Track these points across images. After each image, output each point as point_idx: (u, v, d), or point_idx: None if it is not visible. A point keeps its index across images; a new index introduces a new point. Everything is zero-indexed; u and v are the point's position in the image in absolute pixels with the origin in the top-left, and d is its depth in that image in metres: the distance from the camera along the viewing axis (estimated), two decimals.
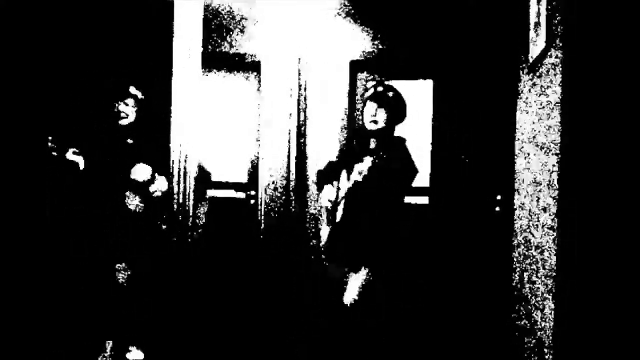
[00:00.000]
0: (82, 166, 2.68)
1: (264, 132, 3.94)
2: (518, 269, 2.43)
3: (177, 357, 2.94)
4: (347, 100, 3.87)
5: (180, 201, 3.00)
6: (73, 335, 2.84)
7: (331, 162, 2.66)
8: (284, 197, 3.92)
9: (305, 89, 3.90)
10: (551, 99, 1.94)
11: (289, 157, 3.91)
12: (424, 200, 3.77)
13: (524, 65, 2.42)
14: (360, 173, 2.33)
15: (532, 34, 2.19)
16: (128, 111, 2.73)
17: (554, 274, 1.84)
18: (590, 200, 1.78)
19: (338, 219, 2.49)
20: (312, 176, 3.89)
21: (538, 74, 2.16)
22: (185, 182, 3.01)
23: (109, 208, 2.71)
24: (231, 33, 3.99)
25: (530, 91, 2.29)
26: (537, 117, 2.14)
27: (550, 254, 1.90)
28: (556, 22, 1.90)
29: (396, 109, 2.43)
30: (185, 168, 3.01)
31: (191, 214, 3.05)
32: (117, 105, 2.72)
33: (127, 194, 2.70)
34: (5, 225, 2.81)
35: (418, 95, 3.87)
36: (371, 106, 2.41)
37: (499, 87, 3.34)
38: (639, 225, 1.76)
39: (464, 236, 3.52)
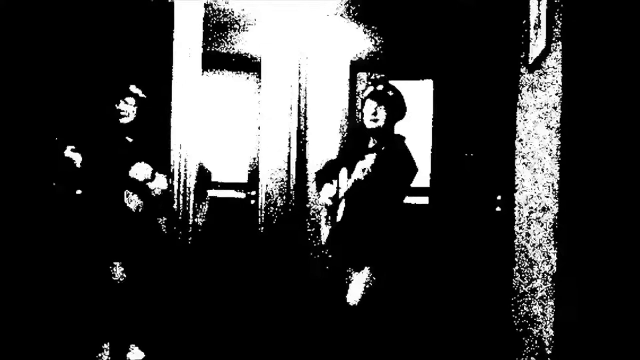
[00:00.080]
0: (78, 164, 2.65)
1: (264, 132, 3.94)
2: (518, 268, 2.43)
3: (177, 356, 2.94)
4: (347, 99, 3.87)
5: (180, 200, 3.00)
6: (72, 334, 2.84)
7: (330, 160, 2.66)
8: (284, 197, 3.92)
9: (305, 89, 3.90)
10: (551, 99, 1.94)
11: (289, 156, 3.91)
12: (424, 200, 3.77)
13: (524, 65, 2.42)
14: (363, 170, 2.32)
15: (532, 34, 2.19)
16: (128, 109, 2.73)
17: (554, 273, 1.84)
18: (590, 200, 1.78)
19: (339, 218, 2.49)
20: (312, 176, 3.89)
21: (538, 73, 2.16)
22: (185, 182, 3.01)
23: (107, 206, 2.70)
24: (231, 32, 3.99)
25: (530, 91, 2.30)
26: (537, 117, 2.14)
27: (550, 254, 1.90)
28: (556, 22, 1.90)
29: (396, 107, 2.43)
30: (185, 167, 3.01)
31: (191, 214, 3.05)
32: (117, 103, 2.71)
33: (126, 192, 2.69)
34: (1, 223, 2.81)
35: (418, 95, 3.87)
36: (371, 104, 2.42)
37: (499, 87, 3.33)
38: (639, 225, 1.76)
39: (464, 236, 3.52)
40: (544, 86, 2.04)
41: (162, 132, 3.02)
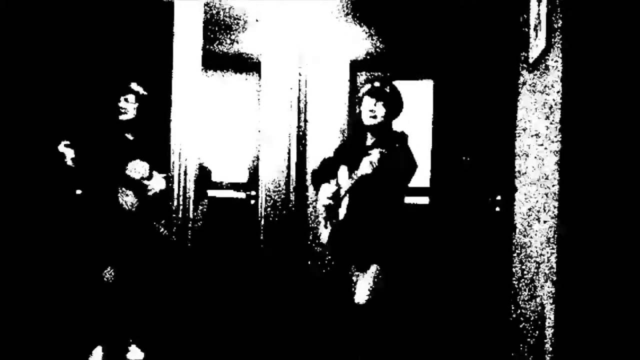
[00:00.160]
0: (69, 159, 2.56)
1: (264, 132, 3.93)
2: (518, 268, 2.43)
3: (176, 356, 2.93)
4: (347, 99, 3.87)
5: (180, 200, 3.00)
6: (70, 335, 2.83)
7: (326, 159, 2.65)
8: (284, 197, 3.91)
9: (305, 89, 3.90)
10: (551, 99, 1.94)
11: (289, 156, 3.91)
12: (424, 200, 3.77)
13: (524, 65, 2.42)
14: (371, 163, 2.30)
15: (532, 34, 2.19)
16: (129, 107, 2.71)
17: (554, 273, 1.84)
18: (590, 200, 1.78)
19: (342, 216, 2.48)
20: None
21: (538, 73, 2.16)
22: (184, 181, 3.01)
23: (102, 204, 2.65)
24: (231, 32, 3.99)
25: (530, 91, 2.30)
26: (537, 117, 2.14)
27: (550, 254, 1.90)
28: (556, 22, 1.90)
29: (393, 103, 2.45)
30: (184, 167, 3.00)
31: (191, 214, 3.04)
32: (117, 100, 2.69)
33: (120, 189, 2.63)
34: None
35: (418, 95, 3.87)
36: (368, 101, 2.42)
37: (499, 87, 3.33)
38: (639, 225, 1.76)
39: (464, 236, 3.51)
40: (544, 86, 2.04)
41: (161, 131, 3.01)
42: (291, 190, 3.89)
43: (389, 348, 2.54)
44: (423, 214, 3.71)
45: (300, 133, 3.87)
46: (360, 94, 2.50)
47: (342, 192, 2.48)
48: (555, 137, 1.87)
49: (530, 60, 2.24)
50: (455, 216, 3.58)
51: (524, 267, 2.30)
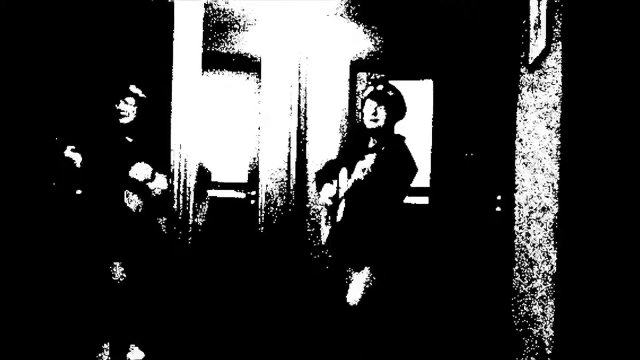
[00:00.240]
0: (78, 163, 2.66)
1: (264, 132, 3.94)
2: (518, 268, 2.43)
3: (177, 356, 2.94)
4: (347, 99, 3.87)
5: (180, 200, 3.00)
6: (72, 334, 2.84)
7: (330, 160, 2.66)
8: (284, 197, 3.92)
9: (305, 89, 3.90)
10: (551, 99, 1.94)
11: (289, 156, 3.92)
12: (424, 200, 3.77)
13: (524, 65, 2.42)
14: (363, 170, 2.32)
15: (532, 34, 2.19)
16: (128, 109, 2.73)
17: (554, 273, 1.84)
18: (590, 200, 1.78)
19: (339, 218, 2.49)
20: (312, 176, 3.89)
21: (538, 73, 2.16)
22: (185, 182, 3.01)
23: (107, 206, 2.70)
24: (231, 32, 3.99)
25: (530, 91, 2.30)
26: (537, 117, 2.15)
27: (550, 254, 1.90)
28: (556, 22, 1.90)
29: (396, 107, 2.44)
30: (185, 167, 3.01)
31: (191, 214, 3.05)
32: (117, 103, 2.71)
33: (126, 192, 2.69)
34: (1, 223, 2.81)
35: (418, 95, 3.87)
36: (371, 104, 2.42)
37: (499, 87, 3.33)
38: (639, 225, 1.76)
39: (464, 236, 3.52)
40: (544, 86, 2.04)
41: (162, 132, 3.02)
42: (291, 190, 3.89)
43: (384, 350, 2.54)
44: (423, 214, 3.71)
45: (300, 133, 3.87)
46: (362, 97, 2.50)
47: (341, 194, 2.49)
48: (555, 136, 1.87)
49: (530, 61, 2.24)
50: (455, 216, 3.58)
51: (524, 267, 2.30)
